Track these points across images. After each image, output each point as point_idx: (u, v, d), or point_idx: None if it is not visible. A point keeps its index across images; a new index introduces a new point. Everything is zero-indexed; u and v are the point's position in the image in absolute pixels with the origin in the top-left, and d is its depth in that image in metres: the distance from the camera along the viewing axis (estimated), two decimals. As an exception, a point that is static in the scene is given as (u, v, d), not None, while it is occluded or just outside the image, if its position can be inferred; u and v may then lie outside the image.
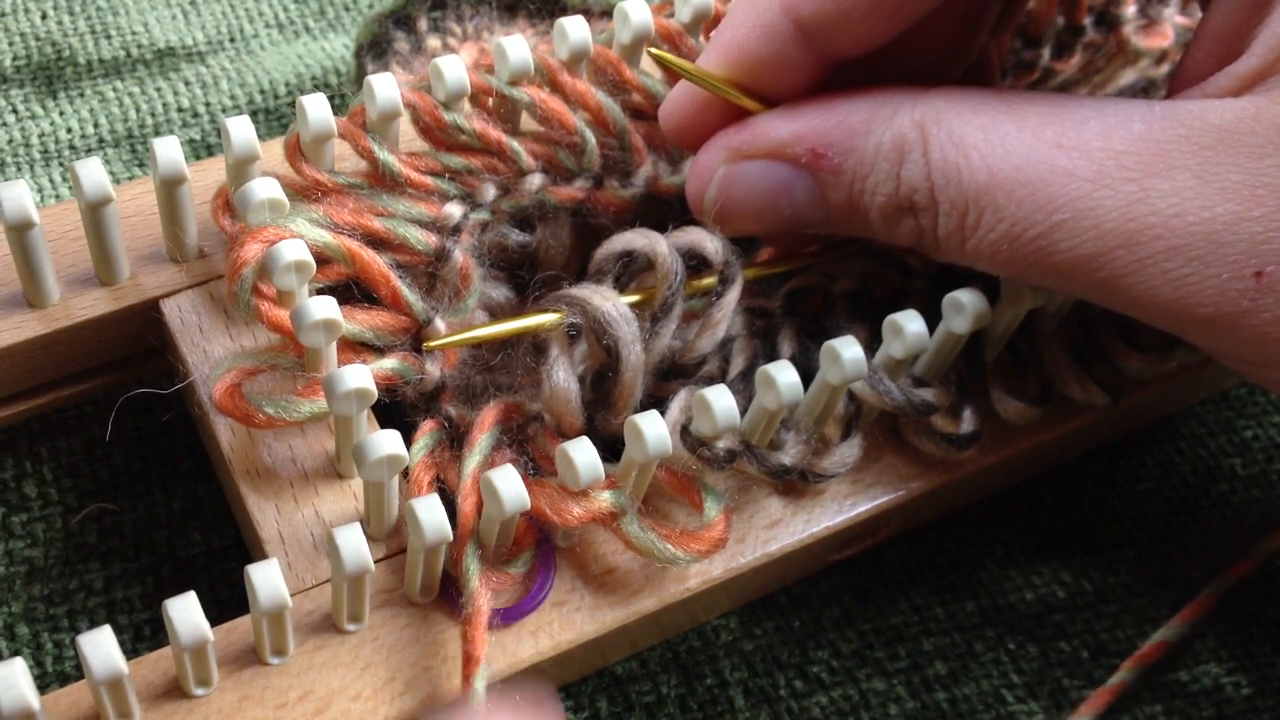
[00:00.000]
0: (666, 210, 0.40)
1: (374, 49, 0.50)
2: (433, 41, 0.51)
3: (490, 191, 0.39)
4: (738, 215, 0.37)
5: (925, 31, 0.36)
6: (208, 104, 0.51)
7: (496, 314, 0.40)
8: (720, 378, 0.38)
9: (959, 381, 0.39)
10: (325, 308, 0.33)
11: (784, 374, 0.34)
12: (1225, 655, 0.42)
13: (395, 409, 0.37)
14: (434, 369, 0.37)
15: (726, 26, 0.36)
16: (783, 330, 0.39)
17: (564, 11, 0.50)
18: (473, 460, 0.35)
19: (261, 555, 0.36)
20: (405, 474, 0.35)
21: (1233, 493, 0.46)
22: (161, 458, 0.42)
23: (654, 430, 0.33)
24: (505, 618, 0.35)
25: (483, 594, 0.33)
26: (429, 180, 0.38)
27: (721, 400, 0.34)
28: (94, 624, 0.39)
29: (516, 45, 0.39)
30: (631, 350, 0.35)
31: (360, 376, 0.33)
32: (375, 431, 0.32)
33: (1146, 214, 0.32)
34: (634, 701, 0.40)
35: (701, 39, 0.42)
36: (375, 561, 0.34)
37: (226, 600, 0.40)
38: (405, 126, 0.40)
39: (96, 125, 0.50)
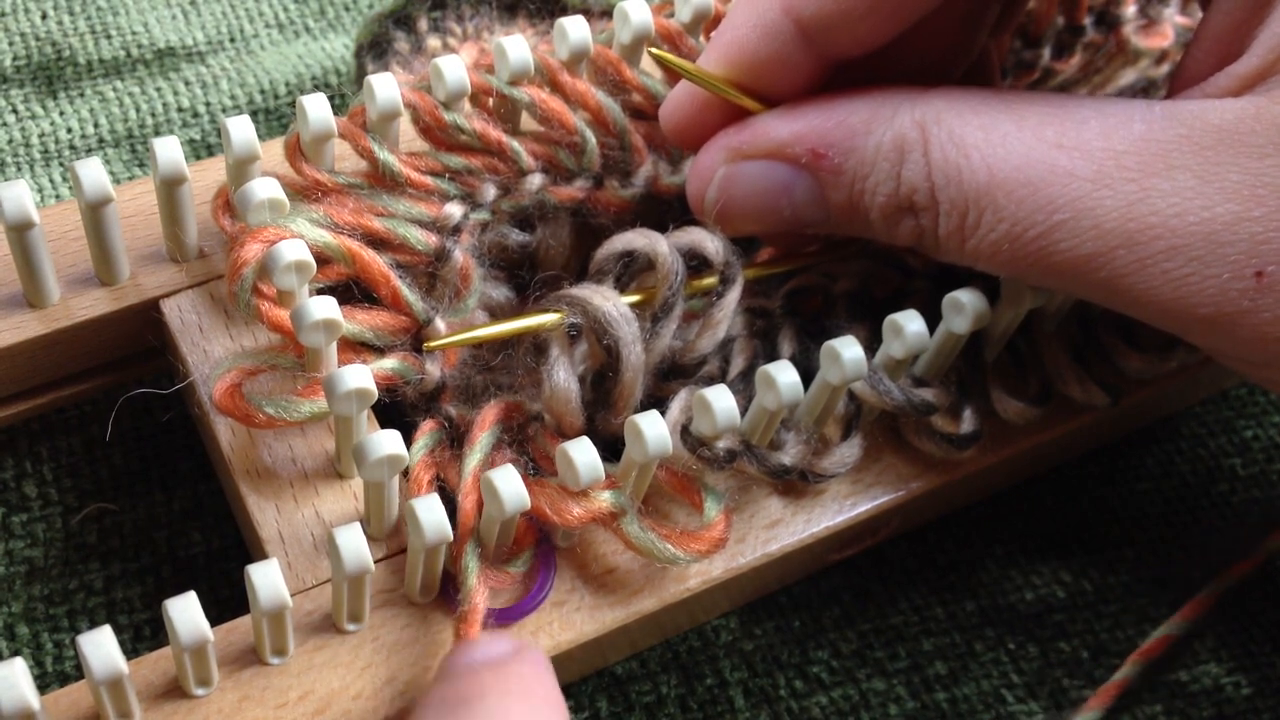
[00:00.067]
0: (667, 210, 0.40)
1: (374, 49, 0.50)
2: (433, 41, 0.51)
3: (490, 191, 0.39)
4: (738, 215, 0.37)
5: (925, 31, 0.36)
6: (208, 104, 0.51)
7: (496, 314, 0.40)
8: (720, 378, 0.38)
9: (959, 381, 0.39)
10: (325, 308, 0.33)
11: (784, 374, 0.34)
12: (1225, 655, 0.42)
13: (395, 409, 0.37)
14: (434, 369, 0.37)
15: (726, 26, 0.36)
16: (783, 330, 0.39)
17: (564, 11, 0.50)
18: (474, 458, 0.35)
19: (261, 555, 0.36)
20: (405, 474, 0.35)
21: (1233, 493, 0.46)
22: (161, 458, 0.42)
23: (654, 430, 0.33)
24: (506, 617, 0.35)
25: (480, 591, 0.33)
26: (429, 180, 0.38)
27: (721, 400, 0.34)
28: (94, 624, 0.39)
29: (516, 45, 0.39)
30: (632, 350, 0.35)
31: (360, 376, 0.33)
32: (375, 431, 0.32)
33: (1146, 214, 0.32)
34: (634, 701, 0.40)
35: (701, 39, 0.42)
36: (375, 561, 0.34)
37: (226, 600, 0.40)
38: (405, 126, 0.40)
39: (96, 125, 0.50)
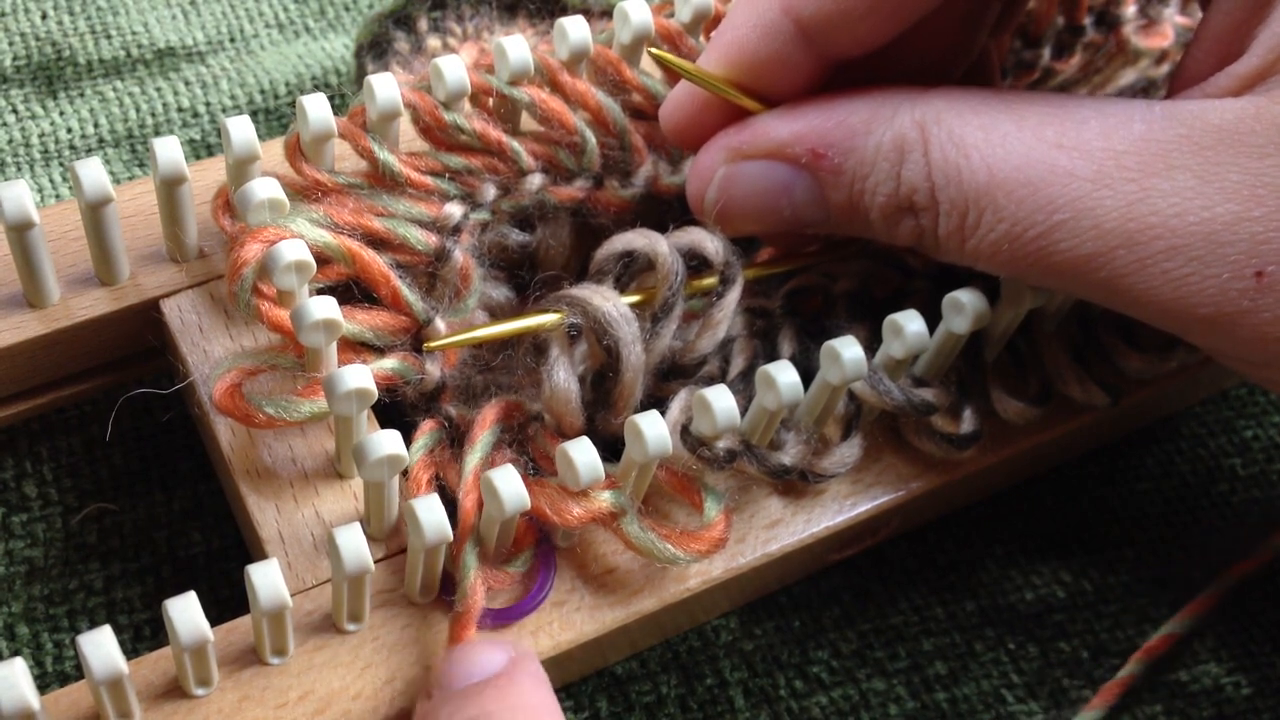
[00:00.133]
0: (666, 210, 0.40)
1: (374, 49, 0.50)
2: (433, 41, 0.51)
3: (490, 191, 0.39)
4: (738, 215, 0.37)
5: (925, 31, 0.36)
6: (208, 104, 0.51)
7: (496, 314, 0.40)
8: (720, 378, 0.38)
9: (959, 381, 0.39)
10: (325, 308, 0.33)
11: (784, 374, 0.34)
12: (1225, 655, 0.42)
13: (395, 409, 0.37)
14: (434, 369, 0.37)
15: (726, 26, 0.36)
16: (783, 330, 0.39)
17: (564, 11, 0.50)
18: (474, 456, 0.35)
19: (261, 555, 0.36)
20: (405, 474, 0.35)
21: (1233, 493, 0.46)
22: (161, 458, 0.42)
23: (654, 430, 0.33)
24: (505, 617, 0.35)
25: (478, 589, 0.33)
26: (429, 180, 0.38)
27: (721, 400, 0.34)
28: (94, 624, 0.39)
29: (516, 45, 0.39)
30: (632, 350, 0.35)
31: (360, 376, 0.33)
32: (375, 431, 0.32)
33: (1146, 214, 0.32)
34: (634, 701, 0.40)
35: (701, 39, 0.42)
36: (375, 561, 0.34)
37: (226, 600, 0.40)
38: (405, 126, 0.40)
39: (96, 125, 0.50)
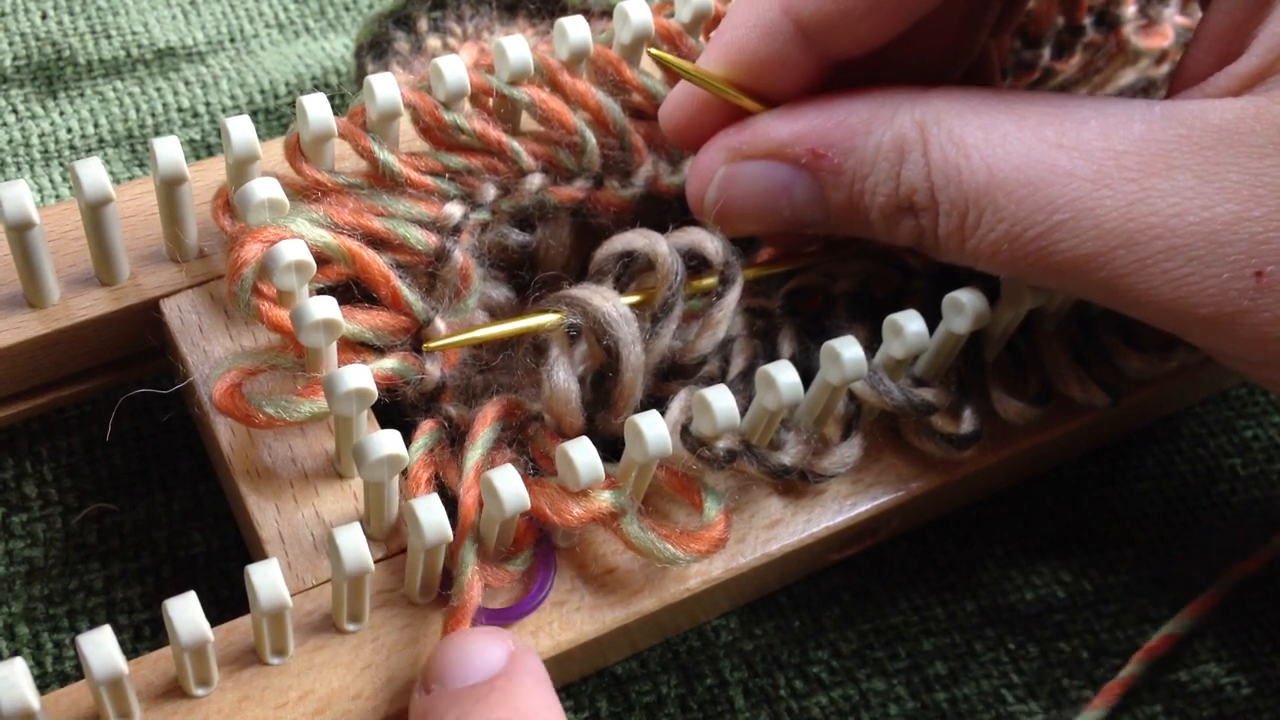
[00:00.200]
0: (666, 210, 0.40)
1: (374, 49, 0.50)
2: (433, 41, 0.51)
3: (490, 191, 0.39)
4: (738, 215, 0.37)
5: (925, 31, 0.36)
6: (208, 104, 0.51)
7: (496, 314, 0.40)
8: (720, 378, 0.38)
9: (959, 381, 0.39)
10: (325, 308, 0.33)
11: (784, 374, 0.34)
12: (1225, 655, 0.42)
13: (395, 409, 0.37)
14: (434, 369, 0.37)
15: (726, 27, 0.36)
16: (783, 330, 0.39)
17: (564, 11, 0.50)
18: (476, 453, 0.35)
19: (261, 555, 0.36)
20: (404, 473, 0.35)
21: (1233, 493, 0.46)
22: (161, 458, 0.42)
23: (654, 430, 0.33)
24: (506, 617, 0.35)
25: (474, 585, 0.33)
26: (429, 180, 0.38)
27: (721, 400, 0.34)
28: (94, 624, 0.39)
29: (516, 45, 0.39)
30: (631, 350, 0.35)
31: (360, 376, 0.33)
32: (375, 431, 0.32)
33: (1146, 214, 0.32)
34: (634, 701, 0.40)
35: (701, 39, 0.42)
36: (375, 561, 0.34)
37: (226, 600, 0.40)
38: (405, 126, 0.40)
39: (96, 125, 0.50)
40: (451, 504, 0.34)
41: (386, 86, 0.38)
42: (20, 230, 0.36)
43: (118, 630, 0.39)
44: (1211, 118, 0.32)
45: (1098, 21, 0.48)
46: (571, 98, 0.39)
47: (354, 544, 0.31)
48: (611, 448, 0.35)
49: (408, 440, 0.34)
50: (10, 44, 0.52)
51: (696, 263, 0.37)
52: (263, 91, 0.51)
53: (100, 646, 0.30)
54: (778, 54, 0.35)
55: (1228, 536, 0.45)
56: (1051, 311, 0.40)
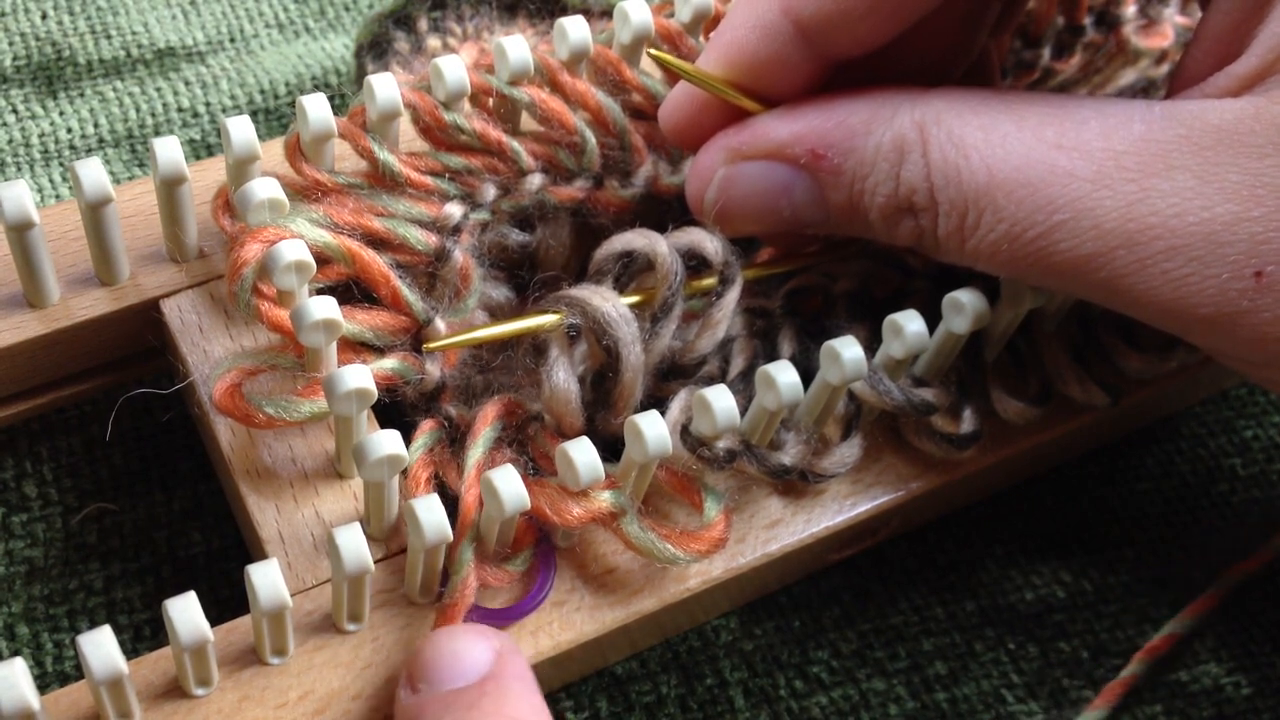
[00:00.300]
0: (666, 210, 0.40)
1: (374, 49, 0.50)
2: (433, 41, 0.51)
3: (490, 191, 0.39)
4: (738, 216, 0.37)
5: (925, 31, 0.36)
6: (208, 104, 0.51)
7: (496, 314, 0.40)
8: (720, 378, 0.38)
9: (959, 381, 0.39)
10: (325, 308, 0.33)
11: (784, 374, 0.34)
12: (1225, 655, 0.42)
13: (395, 409, 0.37)
14: (434, 369, 0.37)
15: (726, 27, 0.36)
16: (783, 330, 0.39)
17: (564, 11, 0.50)
18: (476, 451, 0.35)
19: (261, 555, 0.36)
20: (404, 473, 0.35)
21: (1233, 493, 0.46)
22: (161, 458, 0.42)
23: (654, 430, 0.33)
24: (506, 617, 0.35)
25: (469, 584, 0.33)
26: (429, 180, 0.38)
27: (721, 400, 0.34)
28: (94, 624, 0.39)
29: (516, 45, 0.39)
30: (631, 350, 0.35)
31: (360, 376, 0.33)
32: (375, 431, 0.32)
33: (1146, 214, 0.32)
34: (634, 701, 0.40)
35: (701, 39, 0.42)
36: (375, 561, 0.34)
37: (226, 600, 0.40)
38: (405, 126, 0.40)
39: (96, 125, 0.50)
40: (451, 504, 0.34)
41: (386, 86, 0.38)
42: (20, 230, 0.36)
43: (118, 630, 0.39)
44: (1211, 118, 0.32)
45: (1098, 21, 0.48)
46: (571, 98, 0.39)
47: (354, 544, 0.31)
48: (611, 448, 0.35)
49: (408, 440, 0.34)
50: (10, 44, 0.52)
51: (696, 263, 0.37)
52: (263, 91, 0.51)
53: (100, 646, 0.30)
54: (777, 54, 0.35)
55: (1228, 536, 0.45)
56: (1051, 311, 0.40)
